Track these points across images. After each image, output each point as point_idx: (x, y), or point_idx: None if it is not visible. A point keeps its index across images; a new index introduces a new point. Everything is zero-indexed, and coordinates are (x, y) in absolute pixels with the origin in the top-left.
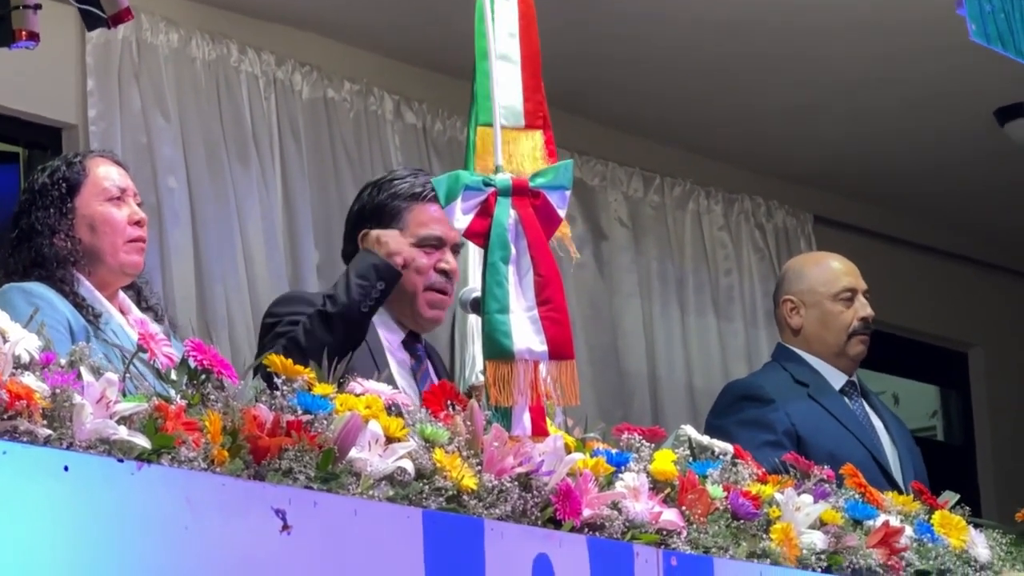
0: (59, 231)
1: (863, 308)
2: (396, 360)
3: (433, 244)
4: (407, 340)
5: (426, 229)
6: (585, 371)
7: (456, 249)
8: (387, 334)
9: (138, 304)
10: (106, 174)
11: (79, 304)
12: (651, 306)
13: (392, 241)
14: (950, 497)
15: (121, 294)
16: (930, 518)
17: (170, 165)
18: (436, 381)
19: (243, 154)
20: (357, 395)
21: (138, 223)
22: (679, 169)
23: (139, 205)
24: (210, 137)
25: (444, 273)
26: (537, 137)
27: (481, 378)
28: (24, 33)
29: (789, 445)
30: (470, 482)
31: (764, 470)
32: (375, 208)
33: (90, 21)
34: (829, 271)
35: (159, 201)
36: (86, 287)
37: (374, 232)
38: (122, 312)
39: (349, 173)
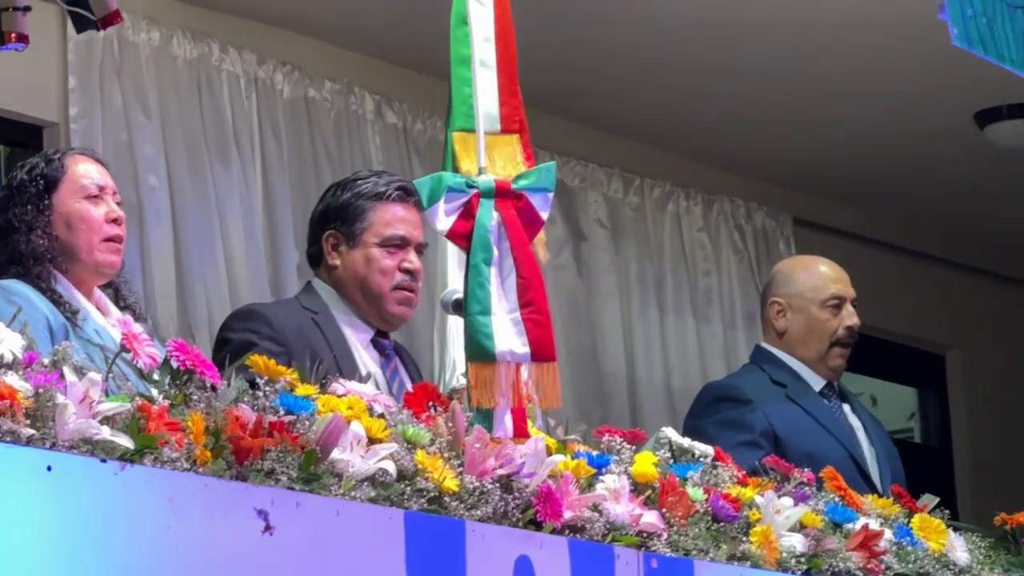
0: (36, 228)
1: (850, 317)
2: (364, 359)
3: (397, 244)
4: (375, 338)
5: (390, 229)
6: (564, 372)
7: (420, 249)
8: (355, 333)
9: (116, 302)
10: (85, 172)
11: (56, 301)
12: (630, 307)
13: None
14: (929, 500)
15: (98, 292)
16: (909, 521)
17: (151, 164)
18: (405, 378)
19: (224, 153)
20: (339, 396)
21: (115, 221)
22: (659, 170)
23: (118, 204)
24: (191, 136)
25: (408, 272)
26: (514, 141)
27: (463, 380)
28: (14, 35)
29: (767, 445)
30: (452, 483)
31: (744, 472)
32: (339, 208)
33: (79, 23)
34: (819, 277)
35: (140, 200)
36: (63, 284)
37: None
38: (99, 310)
39: (330, 173)
